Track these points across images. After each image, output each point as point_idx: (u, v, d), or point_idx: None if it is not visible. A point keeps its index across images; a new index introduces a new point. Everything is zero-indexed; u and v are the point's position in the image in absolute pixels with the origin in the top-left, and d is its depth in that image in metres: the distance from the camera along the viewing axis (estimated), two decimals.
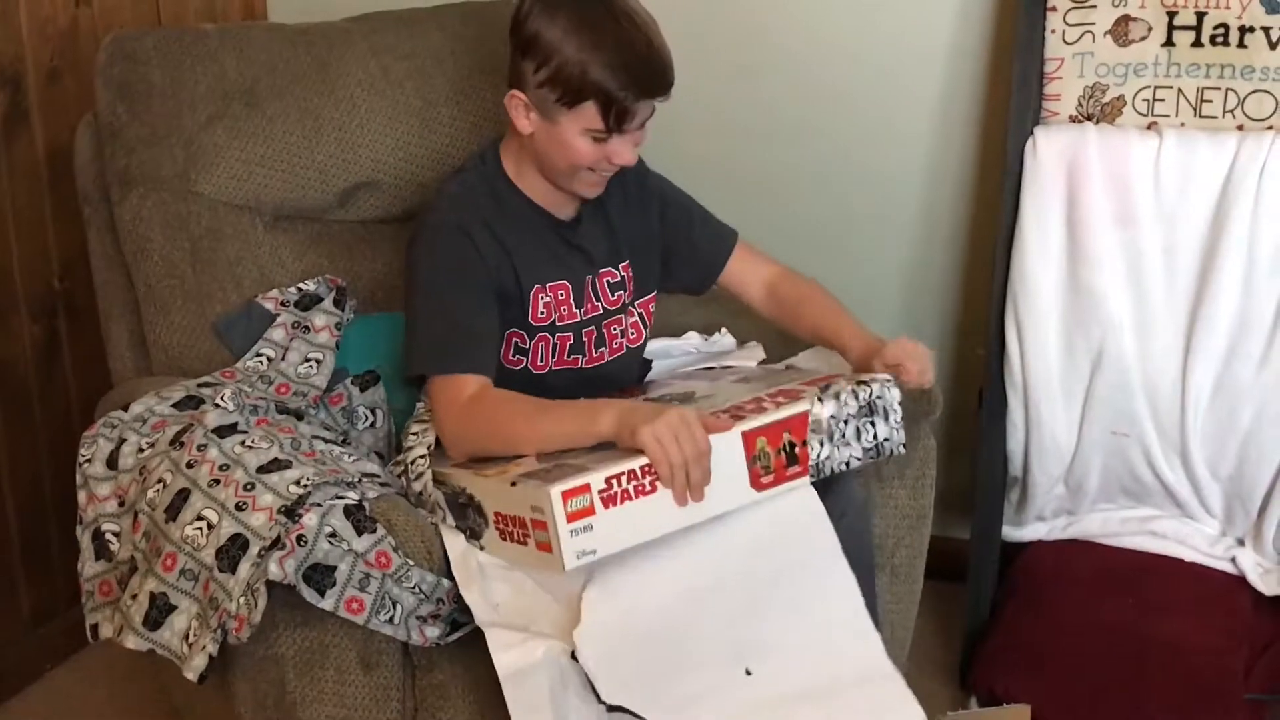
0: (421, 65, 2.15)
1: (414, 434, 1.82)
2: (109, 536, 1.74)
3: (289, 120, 2.05)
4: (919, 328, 2.51)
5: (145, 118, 1.99)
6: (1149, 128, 2.22)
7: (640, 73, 1.75)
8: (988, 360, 2.34)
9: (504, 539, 1.62)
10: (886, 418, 1.77)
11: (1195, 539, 2.32)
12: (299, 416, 1.83)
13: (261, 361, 1.94)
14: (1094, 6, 2.21)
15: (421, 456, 1.75)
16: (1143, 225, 2.20)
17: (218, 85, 2.02)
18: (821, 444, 1.70)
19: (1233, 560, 2.29)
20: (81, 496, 1.77)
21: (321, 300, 2.00)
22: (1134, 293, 2.22)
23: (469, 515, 1.68)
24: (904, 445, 1.80)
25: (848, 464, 1.74)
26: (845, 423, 1.73)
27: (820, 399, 1.71)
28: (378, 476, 1.73)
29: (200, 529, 1.60)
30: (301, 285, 2.02)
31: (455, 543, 1.69)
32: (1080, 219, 2.22)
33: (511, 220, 1.85)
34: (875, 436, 1.76)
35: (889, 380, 1.79)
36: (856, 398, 1.74)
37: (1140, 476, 2.31)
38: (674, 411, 1.58)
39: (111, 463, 1.77)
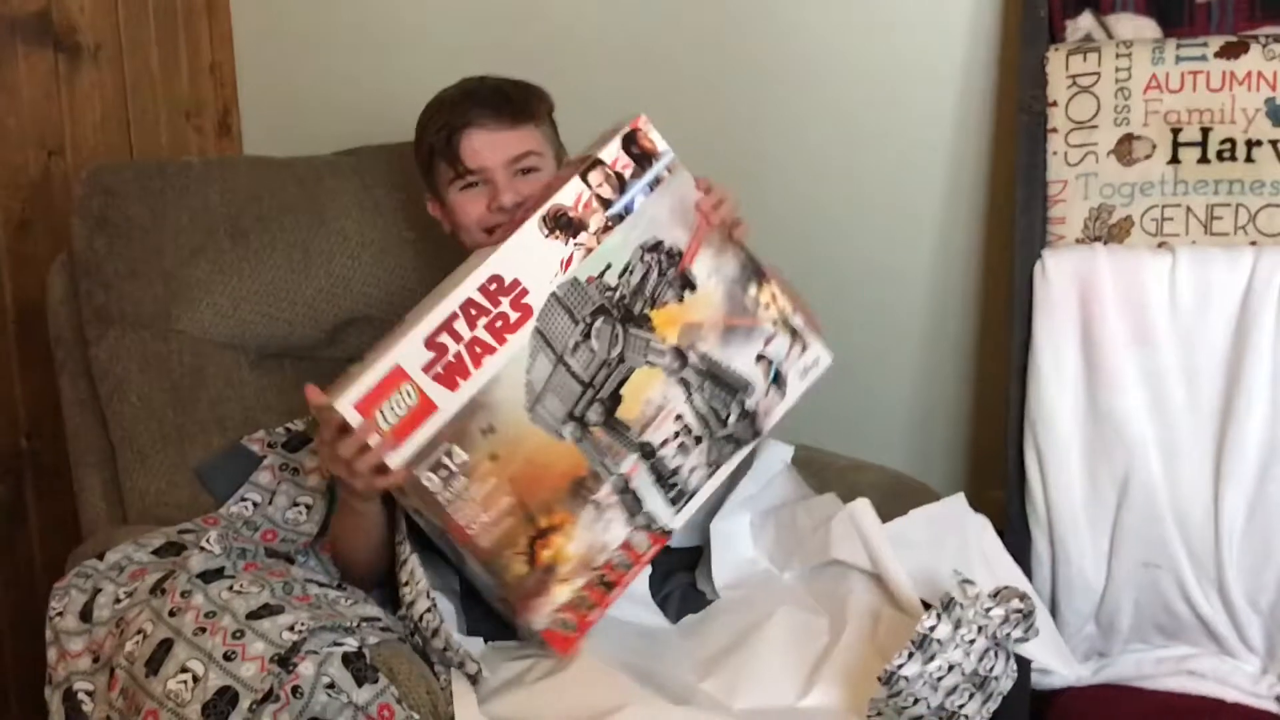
0: (414, 195, 2.07)
1: (406, 584, 1.64)
2: (82, 696, 1.59)
3: (276, 254, 1.96)
4: (928, 471, 2.40)
5: (124, 253, 1.90)
6: (1159, 246, 2.16)
7: (460, 100, 1.80)
8: (1007, 496, 2.24)
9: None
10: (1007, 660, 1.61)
11: (1236, 678, 2.18)
12: (289, 560, 1.70)
13: (247, 507, 1.82)
14: (1095, 126, 2.17)
15: (429, 610, 1.59)
16: (1161, 345, 2.12)
17: (201, 218, 1.94)
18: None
19: (1278, 699, 2.16)
20: (51, 653, 1.63)
21: (311, 441, 1.89)
22: (1157, 415, 2.13)
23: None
24: None
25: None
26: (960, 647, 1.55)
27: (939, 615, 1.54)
28: (378, 620, 1.59)
29: (185, 682, 1.46)
30: (290, 425, 1.92)
31: (465, 701, 1.55)
32: (1096, 341, 2.14)
33: None
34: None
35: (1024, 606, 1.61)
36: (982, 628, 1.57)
37: (1175, 611, 2.18)
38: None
39: (85, 615, 1.63)
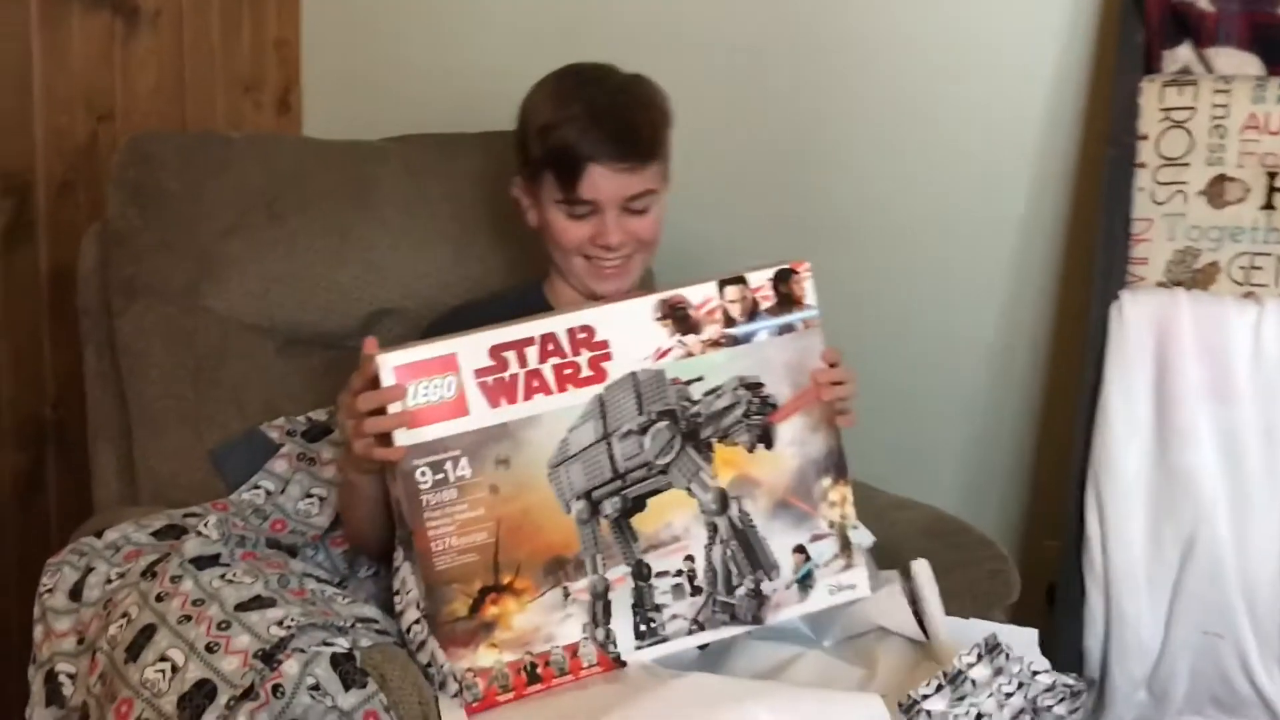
0: (461, 188, 2.00)
1: (397, 591, 1.54)
2: (63, 678, 1.51)
3: (312, 236, 1.89)
4: (982, 513, 2.28)
5: (157, 224, 1.84)
6: (1246, 296, 2.03)
7: (584, 133, 1.67)
8: (1063, 548, 2.13)
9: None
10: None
11: None
12: (292, 553, 1.62)
13: (259, 495, 1.75)
14: (1187, 164, 2.05)
15: (416, 622, 1.49)
16: (1241, 401, 2.00)
17: (239, 194, 1.87)
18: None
19: None
20: (38, 631, 1.56)
21: (331, 432, 1.81)
22: (1230, 474, 2.01)
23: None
24: None
25: None
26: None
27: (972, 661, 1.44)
28: (375, 622, 1.50)
29: (163, 671, 1.37)
30: (311, 415, 1.84)
31: (453, 716, 1.45)
32: (1171, 391, 2.03)
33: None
34: None
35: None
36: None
37: (1234, 685, 2.06)
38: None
39: (75, 594, 1.56)
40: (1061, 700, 1.48)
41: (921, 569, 1.64)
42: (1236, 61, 2.05)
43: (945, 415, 2.36)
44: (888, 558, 1.70)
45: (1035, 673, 1.46)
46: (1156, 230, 2.07)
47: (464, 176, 2.02)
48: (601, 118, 1.69)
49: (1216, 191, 2.04)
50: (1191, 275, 2.06)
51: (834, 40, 2.29)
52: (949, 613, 1.70)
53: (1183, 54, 2.08)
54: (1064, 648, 2.09)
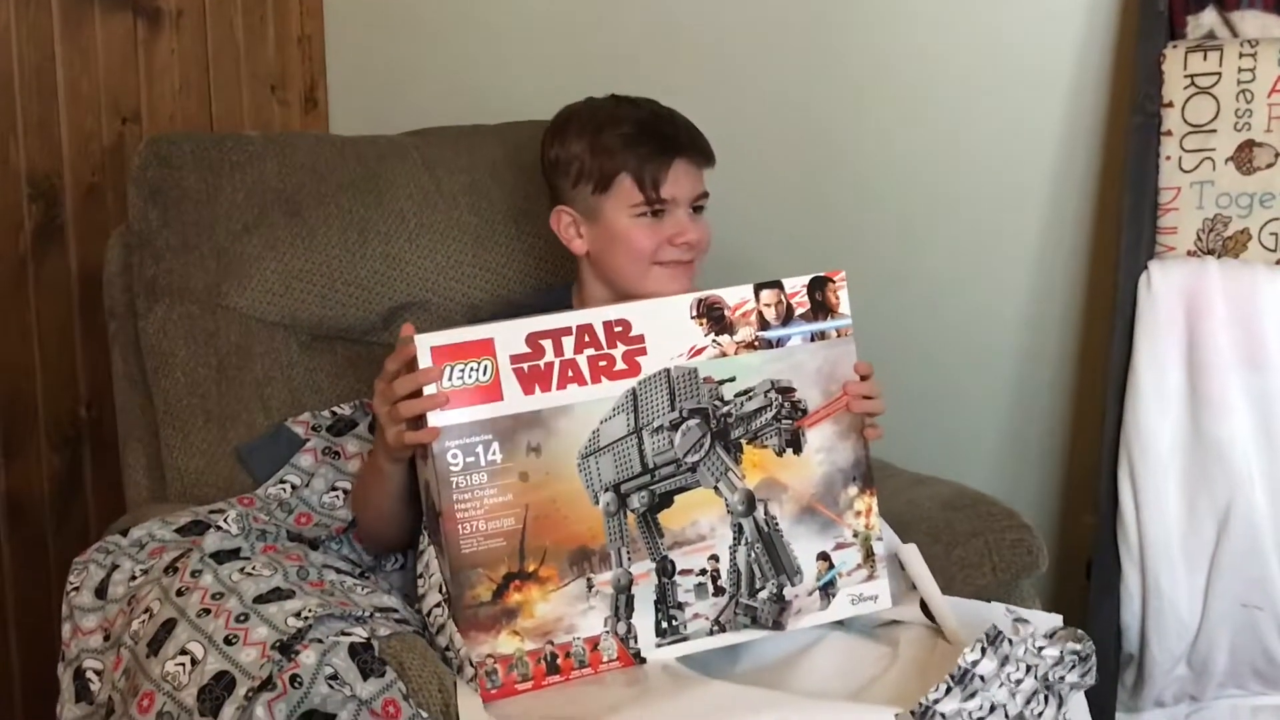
0: (478, 180, 2.01)
1: (420, 575, 1.57)
2: (91, 675, 1.54)
3: (331, 232, 1.90)
4: (1019, 490, 2.27)
5: (177, 225, 1.86)
6: (1278, 264, 2.00)
7: (659, 131, 1.72)
8: (1098, 524, 2.10)
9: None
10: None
11: None
12: (314, 546, 1.64)
13: (285, 489, 1.76)
14: (1214, 131, 2.02)
15: (438, 605, 1.51)
16: (1273, 369, 1.97)
17: (256, 192, 1.89)
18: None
19: None
20: (66, 629, 1.58)
21: (356, 425, 1.83)
22: (1265, 444, 1.97)
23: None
24: None
25: None
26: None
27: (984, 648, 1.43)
28: (394, 612, 1.51)
29: (183, 665, 1.39)
30: (336, 409, 1.86)
31: (470, 705, 1.46)
32: (1202, 361, 1.99)
33: None
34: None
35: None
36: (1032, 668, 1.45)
37: (1275, 657, 2.03)
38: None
39: (101, 592, 1.59)
40: (1072, 668, 1.47)
41: (908, 553, 1.65)
42: (1262, 24, 2.02)
43: (978, 395, 2.33)
44: (904, 533, 1.70)
45: (1040, 649, 1.45)
46: (1185, 199, 2.04)
47: (481, 167, 2.03)
48: (672, 120, 1.75)
49: (1245, 157, 2.01)
50: (1222, 243, 2.03)
51: (846, 13, 2.28)
52: (970, 584, 1.70)
53: (1207, 19, 2.05)
54: (1102, 624, 2.07)
